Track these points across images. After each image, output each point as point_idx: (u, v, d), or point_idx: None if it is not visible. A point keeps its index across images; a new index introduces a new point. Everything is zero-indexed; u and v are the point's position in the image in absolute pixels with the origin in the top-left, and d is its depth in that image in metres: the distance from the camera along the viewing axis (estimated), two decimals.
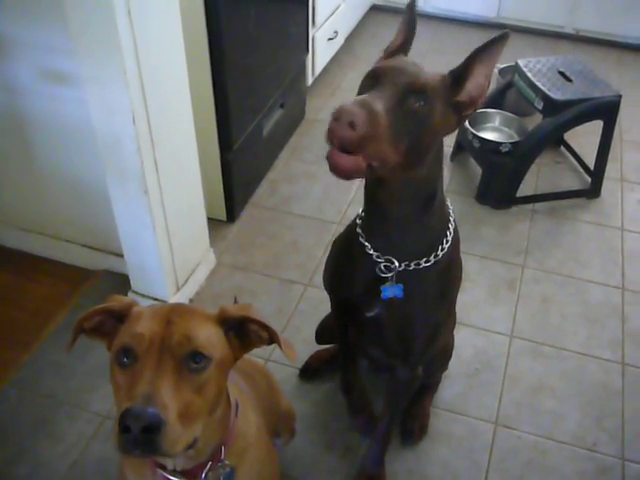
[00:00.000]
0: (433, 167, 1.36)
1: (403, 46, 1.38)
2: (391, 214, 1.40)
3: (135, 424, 0.91)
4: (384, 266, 1.46)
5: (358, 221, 1.52)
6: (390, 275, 1.46)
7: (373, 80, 1.26)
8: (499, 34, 1.23)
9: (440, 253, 1.47)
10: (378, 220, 1.44)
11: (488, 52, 1.26)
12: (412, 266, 1.45)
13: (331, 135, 1.15)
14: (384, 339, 1.65)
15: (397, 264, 1.45)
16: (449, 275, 1.57)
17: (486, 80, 1.27)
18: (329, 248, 1.76)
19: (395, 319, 1.56)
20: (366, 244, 1.47)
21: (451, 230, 1.50)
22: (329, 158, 1.18)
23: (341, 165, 1.17)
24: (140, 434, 0.91)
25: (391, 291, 1.48)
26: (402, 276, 1.47)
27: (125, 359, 1.01)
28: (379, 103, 1.17)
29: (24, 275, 2.64)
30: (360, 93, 1.28)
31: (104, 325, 1.13)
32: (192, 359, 1.01)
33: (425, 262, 1.46)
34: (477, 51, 1.26)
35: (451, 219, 1.51)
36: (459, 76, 1.28)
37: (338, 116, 1.13)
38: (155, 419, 0.92)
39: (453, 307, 1.71)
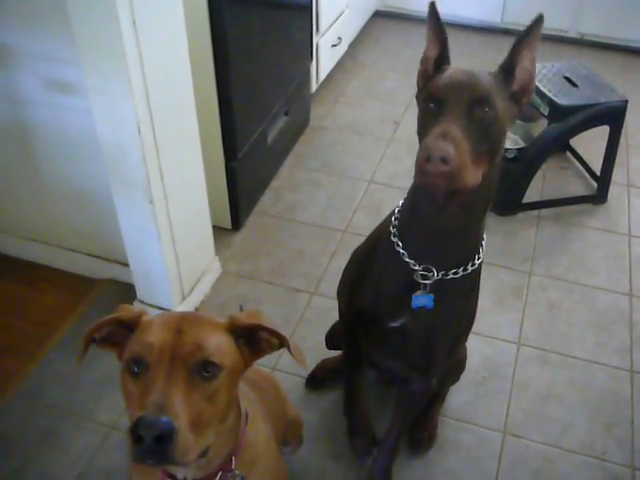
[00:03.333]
0: (498, 167, 1.36)
1: (442, 56, 1.37)
2: (443, 223, 1.37)
3: (148, 433, 0.91)
4: (420, 274, 1.44)
5: (392, 229, 1.49)
6: (426, 283, 1.44)
7: (435, 102, 1.26)
8: (535, 18, 1.28)
9: (477, 262, 1.45)
10: (423, 229, 1.42)
11: (529, 36, 1.29)
12: (450, 275, 1.44)
13: (426, 177, 1.18)
14: (406, 350, 1.63)
15: (435, 272, 1.43)
16: (476, 284, 1.56)
17: (532, 64, 1.31)
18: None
19: (421, 329, 1.54)
20: (403, 251, 1.45)
21: (484, 236, 1.48)
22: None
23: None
24: (153, 443, 0.91)
25: (422, 300, 1.47)
26: (435, 285, 1.45)
27: (136, 368, 1.01)
28: (456, 128, 1.19)
29: (29, 285, 2.63)
30: (425, 118, 1.29)
31: (114, 335, 1.12)
32: (203, 368, 1.01)
33: (463, 271, 1.44)
34: (519, 38, 1.29)
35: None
36: (508, 67, 1.31)
37: (428, 155, 1.15)
38: (167, 428, 0.92)
39: (474, 317, 1.70)
